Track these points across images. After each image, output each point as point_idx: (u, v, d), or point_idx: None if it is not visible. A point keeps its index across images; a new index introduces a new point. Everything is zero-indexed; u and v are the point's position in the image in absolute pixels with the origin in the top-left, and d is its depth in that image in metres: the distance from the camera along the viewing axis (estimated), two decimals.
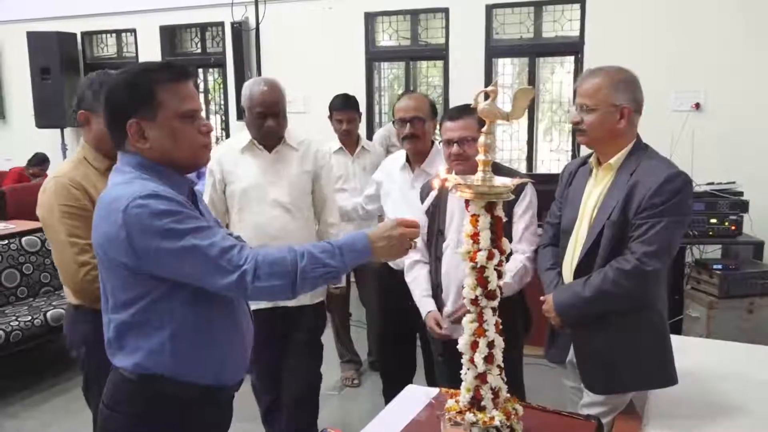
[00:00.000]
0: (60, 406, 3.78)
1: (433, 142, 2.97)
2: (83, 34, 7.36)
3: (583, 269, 2.11)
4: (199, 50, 7.10)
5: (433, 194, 1.73)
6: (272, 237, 2.64)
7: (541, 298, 2.26)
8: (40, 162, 6.77)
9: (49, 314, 4.05)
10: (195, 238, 1.49)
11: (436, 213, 2.58)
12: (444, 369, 2.68)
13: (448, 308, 2.54)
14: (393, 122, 3.01)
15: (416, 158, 2.92)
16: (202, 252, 1.49)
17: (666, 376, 2.11)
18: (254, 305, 2.29)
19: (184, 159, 1.61)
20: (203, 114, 1.73)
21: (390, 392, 2.98)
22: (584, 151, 5.11)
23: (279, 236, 2.63)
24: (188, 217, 1.52)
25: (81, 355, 2.32)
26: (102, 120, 2.10)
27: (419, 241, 2.63)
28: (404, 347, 3.15)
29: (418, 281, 2.65)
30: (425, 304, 2.59)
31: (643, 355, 2.09)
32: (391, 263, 2.91)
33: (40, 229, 4.64)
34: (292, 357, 2.84)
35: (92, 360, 2.24)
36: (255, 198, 2.71)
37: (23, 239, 4.47)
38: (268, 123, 2.65)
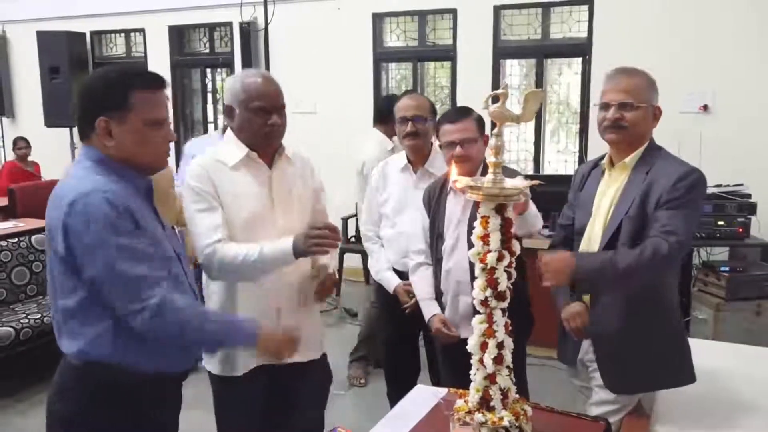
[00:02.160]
0: None
1: (432, 143, 2.98)
2: (92, 33, 7.40)
3: None
4: (207, 50, 7.13)
5: None
6: (281, 271, 2.12)
7: (546, 257, 2.10)
8: (19, 140, 6.98)
9: None
10: (120, 254, 1.57)
11: (437, 215, 2.59)
12: (445, 369, 2.70)
13: (447, 311, 2.56)
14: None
15: (417, 158, 2.93)
16: (119, 271, 1.57)
17: (685, 374, 2.13)
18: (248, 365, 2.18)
19: (146, 163, 1.72)
20: (170, 120, 1.80)
21: (394, 394, 2.99)
22: (591, 152, 5.14)
23: (287, 270, 2.13)
24: (125, 232, 1.59)
25: None
26: None
27: (422, 244, 2.65)
28: (408, 349, 3.15)
29: (422, 283, 2.66)
30: (429, 307, 2.60)
31: (663, 354, 2.11)
32: (396, 266, 2.92)
33: None
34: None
35: None
36: (261, 227, 2.12)
37: (33, 237, 4.49)
38: (273, 120, 2.12)
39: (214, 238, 2.01)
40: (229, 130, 2.19)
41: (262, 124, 2.11)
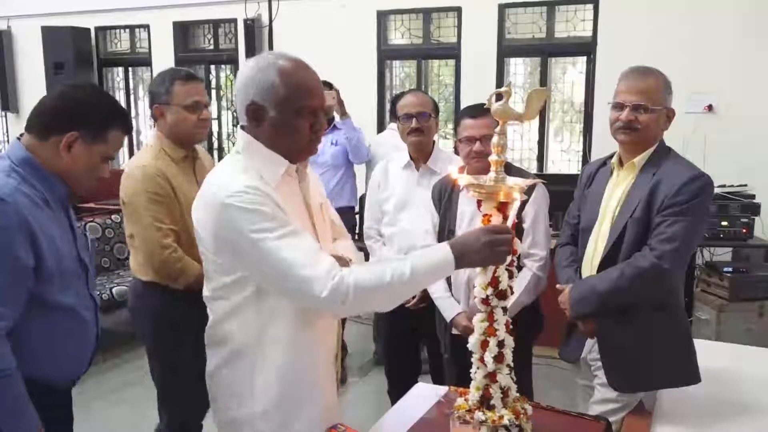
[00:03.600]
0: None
1: (434, 141, 2.98)
2: (97, 29, 7.40)
3: (606, 266, 2.13)
4: (211, 46, 7.13)
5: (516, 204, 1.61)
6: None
7: (558, 286, 2.27)
8: None
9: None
10: None
11: (447, 212, 2.59)
12: (451, 366, 2.69)
13: (462, 306, 2.55)
14: (397, 117, 3.00)
15: (420, 155, 2.93)
16: None
17: (690, 374, 2.14)
18: None
19: (76, 185, 1.78)
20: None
21: (395, 391, 3.00)
22: (595, 151, 5.13)
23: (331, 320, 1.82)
24: None
25: (145, 328, 2.50)
26: (175, 111, 2.38)
27: (431, 240, 2.65)
28: (409, 347, 3.15)
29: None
30: (451, 305, 2.59)
31: (669, 353, 2.12)
32: None
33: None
34: None
35: (156, 334, 2.45)
36: None
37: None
38: (320, 124, 1.66)
39: (327, 262, 1.51)
40: (244, 136, 1.64)
41: (308, 130, 1.63)
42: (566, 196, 2.51)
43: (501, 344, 1.64)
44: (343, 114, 4.13)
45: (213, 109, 7.28)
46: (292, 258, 1.48)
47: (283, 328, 1.62)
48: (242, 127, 1.65)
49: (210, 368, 1.70)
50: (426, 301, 2.72)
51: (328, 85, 4.10)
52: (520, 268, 2.44)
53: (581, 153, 5.67)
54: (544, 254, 2.54)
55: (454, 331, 2.58)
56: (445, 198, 2.61)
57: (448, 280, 2.59)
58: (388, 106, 6.29)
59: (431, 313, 2.73)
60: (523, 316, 2.39)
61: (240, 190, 1.51)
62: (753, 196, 4.17)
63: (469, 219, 2.51)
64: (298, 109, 1.59)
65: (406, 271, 1.50)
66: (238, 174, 1.57)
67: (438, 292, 2.62)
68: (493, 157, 1.62)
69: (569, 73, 5.99)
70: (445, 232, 2.58)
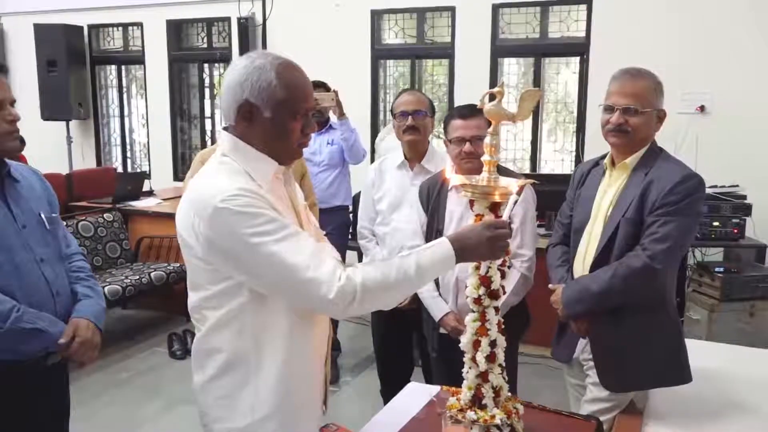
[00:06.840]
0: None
1: (429, 141, 2.98)
2: (90, 27, 7.37)
3: (598, 266, 2.14)
4: (205, 45, 7.11)
5: (512, 200, 1.61)
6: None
7: (550, 286, 2.28)
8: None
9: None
10: None
11: (435, 212, 2.59)
12: (439, 364, 2.69)
13: (450, 305, 2.56)
14: (393, 115, 2.99)
15: (414, 155, 2.93)
16: None
17: (682, 373, 2.14)
18: None
19: None
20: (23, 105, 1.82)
21: (387, 391, 3.00)
22: (588, 151, 5.15)
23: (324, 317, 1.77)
24: None
25: None
26: None
27: (419, 240, 2.65)
28: (401, 347, 3.16)
29: None
30: (439, 305, 2.59)
31: (661, 353, 2.12)
32: None
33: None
34: None
35: None
36: None
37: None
38: (311, 123, 1.63)
39: (331, 263, 1.47)
40: (230, 137, 1.58)
41: (300, 132, 1.59)
42: (560, 196, 2.51)
43: (493, 344, 1.65)
44: (341, 115, 4.12)
45: (206, 107, 7.26)
46: (295, 260, 1.43)
47: (280, 333, 1.57)
48: (226, 128, 1.59)
49: (200, 382, 1.62)
50: (417, 301, 2.73)
51: (325, 87, 4.09)
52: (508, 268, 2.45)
53: (574, 153, 5.68)
54: (531, 254, 2.55)
55: (442, 331, 2.59)
56: (433, 197, 2.61)
57: (436, 280, 2.59)
58: (381, 105, 6.32)
59: (422, 313, 2.73)
60: (510, 314, 2.39)
61: (234, 193, 1.45)
62: (744, 197, 4.19)
63: (458, 219, 2.51)
64: (294, 111, 1.55)
65: (411, 269, 1.49)
66: (229, 176, 1.51)
67: (426, 291, 2.62)
68: (486, 158, 1.63)
69: (562, 74, 6.01)
70: (433, 231, 2.58)
